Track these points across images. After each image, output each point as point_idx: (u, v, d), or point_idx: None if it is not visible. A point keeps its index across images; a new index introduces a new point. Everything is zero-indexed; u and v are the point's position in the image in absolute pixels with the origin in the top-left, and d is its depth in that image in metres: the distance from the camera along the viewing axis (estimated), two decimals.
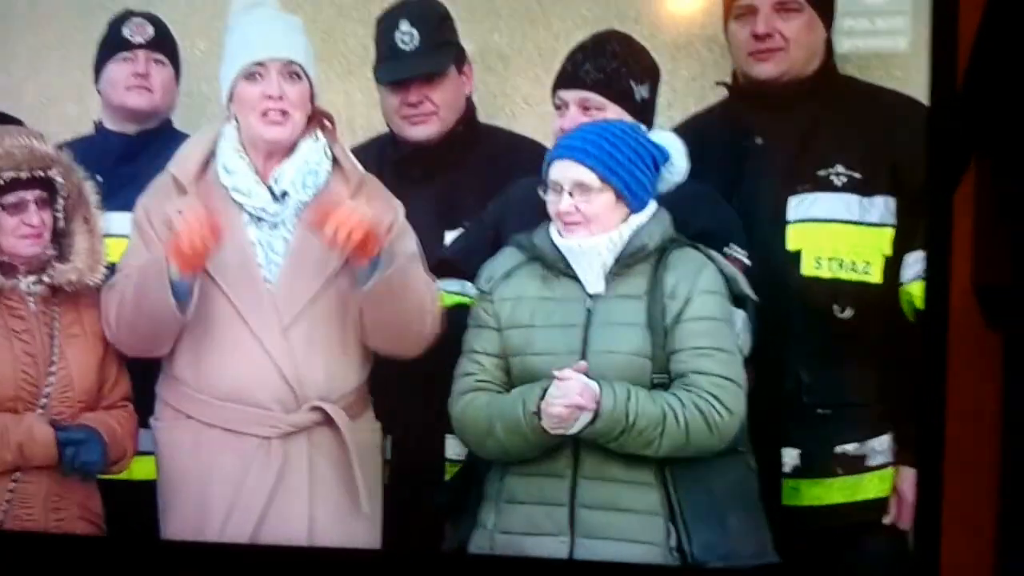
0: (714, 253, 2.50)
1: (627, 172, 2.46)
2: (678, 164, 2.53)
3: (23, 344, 2.57)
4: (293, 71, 2.52)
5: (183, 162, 2.58)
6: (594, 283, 2.47)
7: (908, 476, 2.65)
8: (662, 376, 2.42)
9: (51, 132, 2.78)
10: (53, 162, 2.60)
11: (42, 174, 2.57)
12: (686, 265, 2.47)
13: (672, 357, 2.42)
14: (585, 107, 2.61)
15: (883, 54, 2.70)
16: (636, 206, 2.48)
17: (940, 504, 2.41)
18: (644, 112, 2.64)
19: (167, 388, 2.60)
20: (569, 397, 2.36)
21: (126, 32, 2.93)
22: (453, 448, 2.69)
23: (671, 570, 2.41)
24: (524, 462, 2.46)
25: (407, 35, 2.80)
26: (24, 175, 2.55)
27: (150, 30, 2.94)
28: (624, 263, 2.46)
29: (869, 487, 2.68)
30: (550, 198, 2.49)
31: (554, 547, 2.43)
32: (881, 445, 2.68)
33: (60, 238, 2.61)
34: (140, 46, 2.93)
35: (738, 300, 2.50)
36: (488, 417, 2.46)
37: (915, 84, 2.56)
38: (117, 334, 2.58)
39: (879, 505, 2.69)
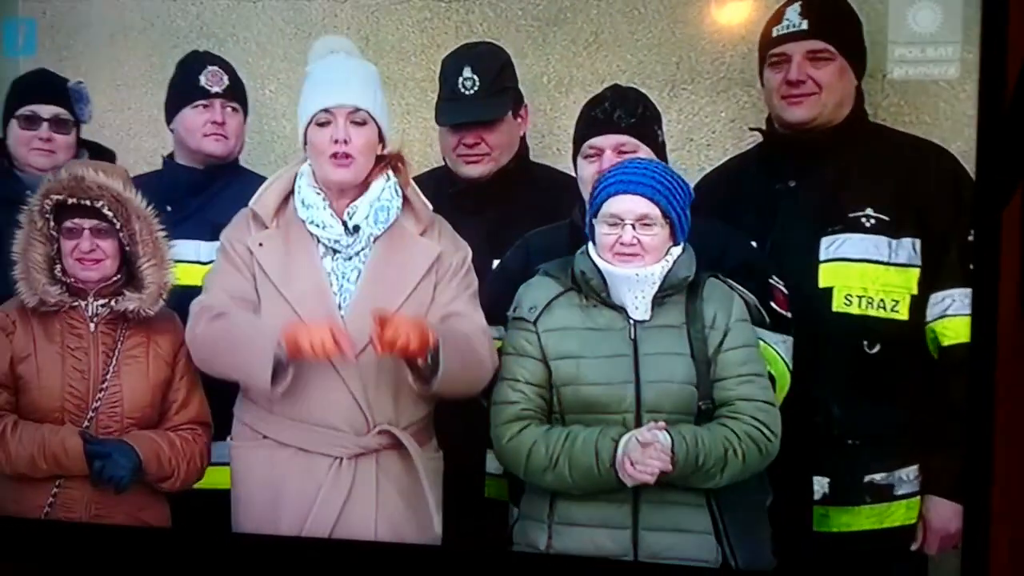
0: (732, 282, 2.57)
1: (680, 207, 2.52)
2: None
3: (74, 360, 2.67)
4: (360, 118, 2.60)
5: (263, 199, 2.67)
6: (643, 311, 2.51)
7: (935, 504, 2.71)
8: (707, 402, 2.48)
9: (128, 165, 2.89)
10: (102, 193, 2.64)
11: (88, 203, 2.64)
12: (720, 296, 2.54)
13: (716, 385, 2.48)
14: (621, 151, 2.67)
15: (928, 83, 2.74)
16: (680, 239, 2.53)
17: (988, 532, 2.41)
18: (663, 153, 2.75)
19: (245, 410, 2.67)
20: (653, 465, 2.40)
21: (203, 81, 3.03)
22: (493, 463, 2.75)
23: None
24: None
25: (469, 80, 2.90)
26: (70, 201, 2.64)
27: (225, 79, 3.05)
28: (663, 293, 2.52)
29: (896, 515, 2.74)
30: (604, 230, 2.52)
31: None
32: (909, 475, 2.73)
33: (131, 266, 2.70)
34: (216, 95, 3.03)
35: (779, 324, 2.57)
36: (548, 455, 2.48)
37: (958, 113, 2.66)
38: (195, 351, 2.65)
39: (906, 532, 2.74)
